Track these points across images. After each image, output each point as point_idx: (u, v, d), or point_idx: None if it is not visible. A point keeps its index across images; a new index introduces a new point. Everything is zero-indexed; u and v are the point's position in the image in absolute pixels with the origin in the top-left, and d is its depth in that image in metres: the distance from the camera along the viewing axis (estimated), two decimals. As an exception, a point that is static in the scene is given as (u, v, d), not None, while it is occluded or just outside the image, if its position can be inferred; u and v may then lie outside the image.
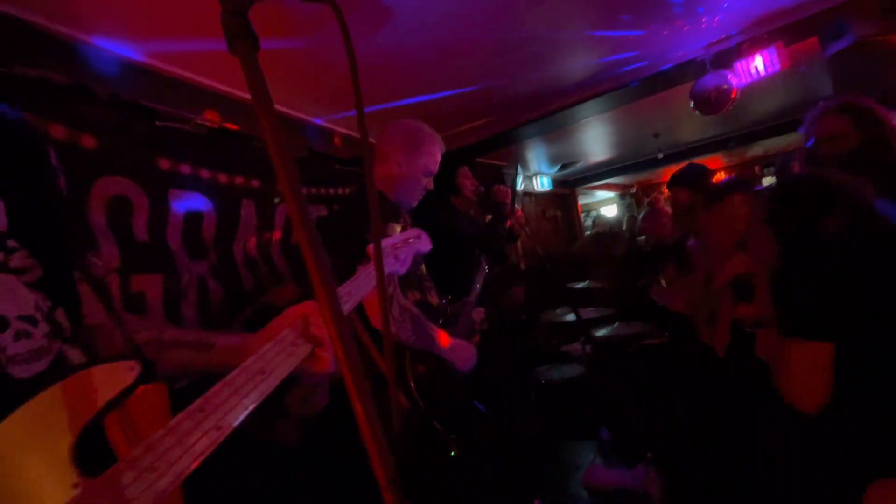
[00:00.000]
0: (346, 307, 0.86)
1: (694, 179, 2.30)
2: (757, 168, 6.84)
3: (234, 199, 1.94)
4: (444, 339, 1.51)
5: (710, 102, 2.63)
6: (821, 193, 1.05)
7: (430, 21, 1.84)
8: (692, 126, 4.72)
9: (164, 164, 1.68)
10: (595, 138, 4.73)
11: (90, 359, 0.57)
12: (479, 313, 1.88)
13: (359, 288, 0.94)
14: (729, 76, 2.57)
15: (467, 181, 2.41)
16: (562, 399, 3.05)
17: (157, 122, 1.68)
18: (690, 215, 2.07)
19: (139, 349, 0.63)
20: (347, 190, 2.66)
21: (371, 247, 1.06)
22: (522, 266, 4.91)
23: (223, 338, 0.75)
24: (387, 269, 1.07)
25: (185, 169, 1.75)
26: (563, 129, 3.77)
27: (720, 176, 6.34)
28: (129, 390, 0.51)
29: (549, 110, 3.20)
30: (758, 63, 2.47)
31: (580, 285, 3.99)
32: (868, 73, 3.49)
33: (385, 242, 1.10)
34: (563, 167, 5.70)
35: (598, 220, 5.97)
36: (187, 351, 0.71)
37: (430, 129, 1.65)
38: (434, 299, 1.68)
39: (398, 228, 1.47)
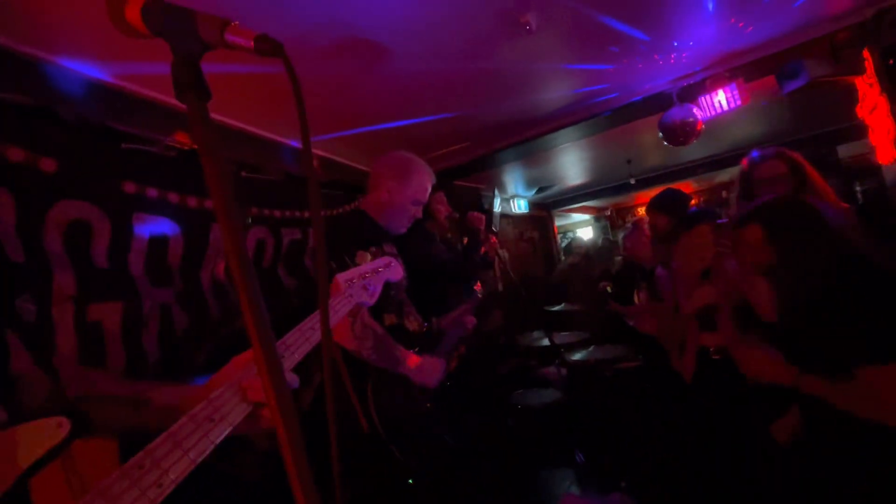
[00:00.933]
0: (310, 343, 0.83)
1: (672, 205, 2.33)
2: (724, 193, 7.12)
3: (204, 223, 1.89)
4: (410, 360, 1.50)
5: (677, 134, 2.73)
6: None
7: (417, 54, 1.88)
8: (662, 153, 4.89)
9: (130, 187, 1.63)
10: (570, 163, 4.84)
11: (11, 414, 0.53)
12: (469, 321, 1.90)
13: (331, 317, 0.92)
14: (694, 110, 2.68)
15: (441, 207, 2.42)
16: (539, 424, 3.03)
17: (123, 145, 1.64)
18: (668, 242, 2.11)
19: (70, 401, 0.59)
20: (326, 213, 2.64)
21: (339, 277, 1.04)
22: (500, 288, 4.93)
23: (163, 393, 0.70)
24: (355, 300, 1.06)
25: (152, 192, 1.70)
26: (540, 154, 3.85)
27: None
28: (59, 448, 0.47)
29: (527, 136, 3.27)
30: (720, 98, 2.59)
31: (556, 308, 4.01)
32: (821, 109, 3.72)
33: (353, 273, 1.09)
34: (540, 190, 5.81)
35: (575, 242, 6.06)
36: (120, 409, 0.66)
37: (422, 161, 1.74)
38: (413, 325, 1.67)
39: (368, 257, 1.46)
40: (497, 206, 4.54)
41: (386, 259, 1.24)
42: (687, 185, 6.70)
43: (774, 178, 1.48)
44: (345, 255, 1.42)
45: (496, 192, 4.55)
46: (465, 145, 3.31)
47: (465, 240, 2.76)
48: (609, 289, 3.39)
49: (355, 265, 1.27)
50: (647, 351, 2.77)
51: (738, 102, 2.58)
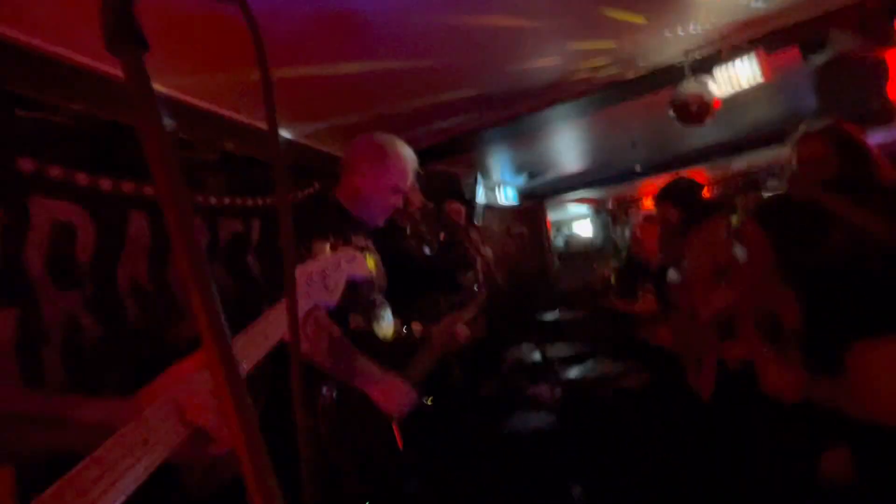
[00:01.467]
0: (261, 351, 0.83)
1: (683, 196, 2.40)
2: (741, 182, 7.38)
3: (120, 210, 1.85)
4: (373, 374, 1.52)
5: (690, 112, 2.82)
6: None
7: (386, 10, 1.89)
8: (673, 136, 5.02)
9: (27, 165, 1.58)
10: (567, 146, 4.92)
11: None
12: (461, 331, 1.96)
13: (278, 326, 0.90)
14: (710, 85, 2.78)
15: (414, 195, 2.44)
16: (529, 453, 3.08)
17: (18, 112, 1.59)
18: (679, 237, 2.18)
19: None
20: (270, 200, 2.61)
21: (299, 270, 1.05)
22: (484, 293, 4.96)
23: (85, 409, 0.68)
24: (313, 299, 1.07)
25: (55, 172, 1.65)
26: (531, 135, 3.90)
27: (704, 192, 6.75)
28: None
29: (516, 113, 3.32)
30: (739, 72, 2.70)
31: (550, 316, 4.09)
32: (849, 87, 3.91)
33: (311, 267, 1.10)
34: (531, 177, 5.87)
35: (571, 240, 6.18)
36: (31, 429, 0.65)
37: (403, 143, 1.80)
38: (385, 330, 1.71)
39: (327, 248, 1.49)
40: (480, 196, 4.59)
41: (349, 253, 1.25)
42: (700, 173, 6.91)
43: (815, 160, 1.55)
44: (300, 246, 1.43)
45: (479, 178, 4.59)
46: (445, 124, 3.33)
47: (442, 235, 2.78)
48: (612, 279, 3.49)
49: (310, 258, 1.27)
50: (656, 365, 2.85)
51: (759, 78, 2.69)
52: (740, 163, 6.60)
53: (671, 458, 2.52)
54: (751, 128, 5.17)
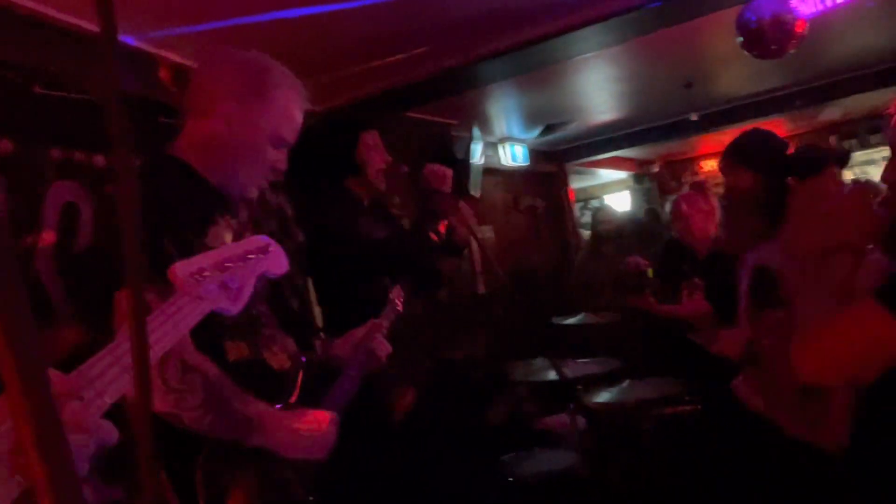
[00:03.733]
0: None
1: (761, 154, 2.32)
2: (833, 138, 7.38)
3: None
4: (273, 421, 1.47)
5: (765, 39, 2.77)
6: None
7: None
8: (741, 74, 4.98)
9: None
10: (596, 87, 4.89)
11: None
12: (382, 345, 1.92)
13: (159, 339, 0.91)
14: (792, 1, 2.72)
15: (374, 154, 2.41)
16: (542, 506, 3.08)
17: None
18: (753, 216, 2.11)
19: None
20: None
21: (177, 268, 1.01)
22: (482, 290, 4.95)
23: None
24: (207, 306, 1.04)
25: None
26: (548, 71, 3.87)
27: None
28: None
29: (526, 39, 3.27)
30: (833, -16, 2.65)
31: (571, 321, 4.07)
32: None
33: (203, 260, 1.07)
34: (547, 130, 5.85)
35: (601, 216, 6.13)
36: None
37: (284, 69, 1.65)
38: (280, 359, 1.63)
39: (228, 234, 1.46)
40: (476, 155, 4.54)
41: (261, 238, 1.23)
42: (777, 125, 6.89)
43: None
44: (188, 230, 1.39)
45: (475, 131, 4.54)
46: (422, 52, 3.26)
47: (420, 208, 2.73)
48: (650, 272, 3.47)
49: (203, 246, 1.27)
50: (715, 384, 2.81)
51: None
52: (832, 112, 6.59)
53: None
54: (847, 65, 5.14)
